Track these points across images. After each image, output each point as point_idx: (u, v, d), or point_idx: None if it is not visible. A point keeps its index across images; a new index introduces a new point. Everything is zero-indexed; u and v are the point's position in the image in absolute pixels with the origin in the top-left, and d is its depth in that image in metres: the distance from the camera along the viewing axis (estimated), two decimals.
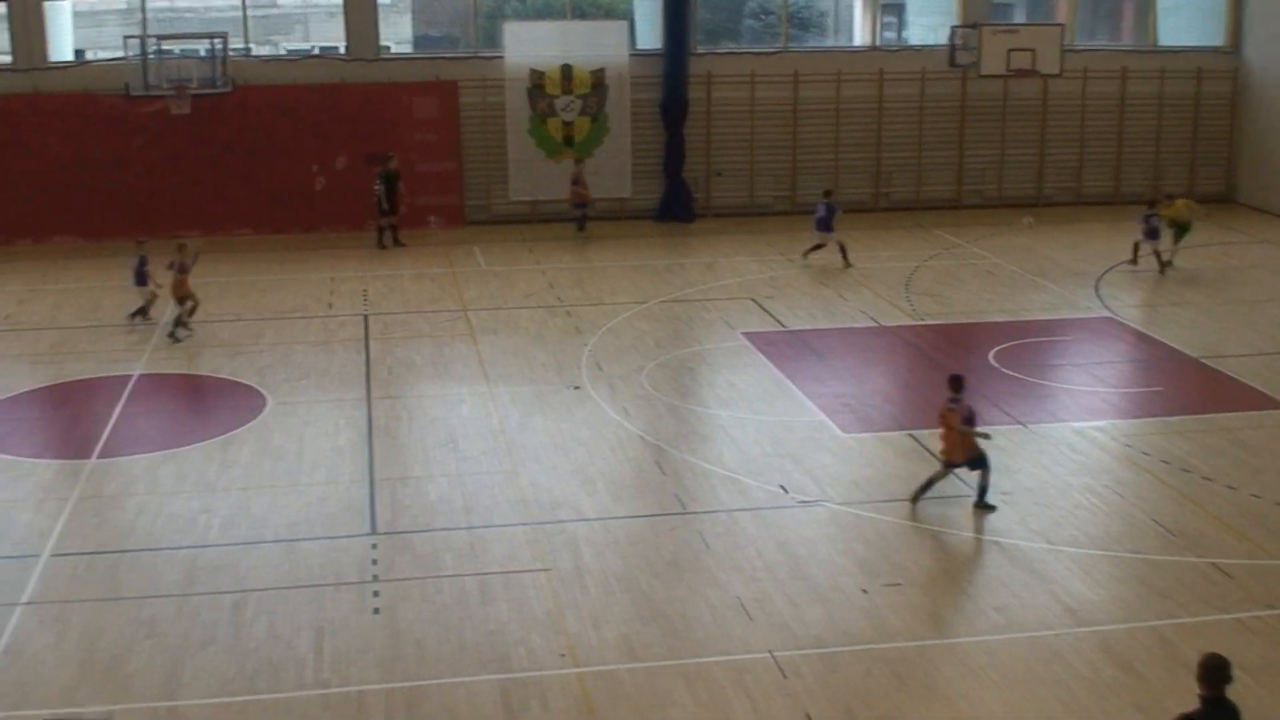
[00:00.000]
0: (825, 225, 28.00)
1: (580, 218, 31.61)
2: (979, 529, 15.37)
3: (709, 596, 13.76)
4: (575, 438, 18.32)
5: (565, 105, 32.87)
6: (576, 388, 20.44)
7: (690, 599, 13.72)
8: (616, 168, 32.92)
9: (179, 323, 23.28)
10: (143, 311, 23.89)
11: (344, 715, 11.70)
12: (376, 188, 30.31)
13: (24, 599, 13.88)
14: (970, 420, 15.66)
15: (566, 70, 32.75)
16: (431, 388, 20.75)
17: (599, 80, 32.88)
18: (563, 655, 12.62)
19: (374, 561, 14.61)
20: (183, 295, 23.37)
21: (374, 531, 15.38)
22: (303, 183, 32.01)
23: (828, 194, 28.92)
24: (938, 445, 16.10)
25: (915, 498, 15.88)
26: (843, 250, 27.86)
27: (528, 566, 14.44)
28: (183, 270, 23.35)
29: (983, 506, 15.74)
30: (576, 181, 31.51)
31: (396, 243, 30.54)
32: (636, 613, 13.43)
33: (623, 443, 18.18)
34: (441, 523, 15.60)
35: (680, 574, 14.31)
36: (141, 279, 23.87)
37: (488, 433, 18.56)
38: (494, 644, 12.81)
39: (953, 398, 15.64)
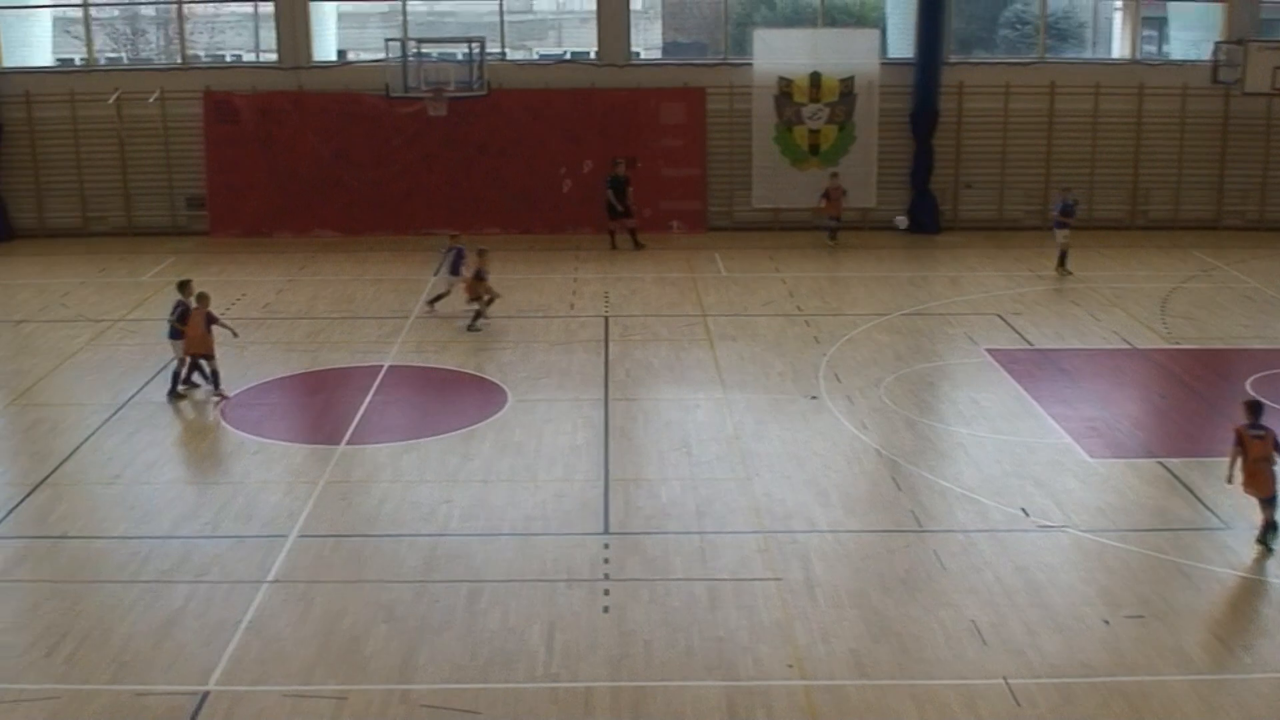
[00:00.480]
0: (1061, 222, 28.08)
1: (832, 228, 31.21)
2: (1232, 564, 14.66)
3: (942, 617, 13.44)
4: (810, 448, 18.14)
5: (812, 113, 32.68)
6: (814, 398, 20.26)
7: (922, 618, 13.42)
8: (862, 177, 32.56)
9: (478, 315, 24.13)
10: (440, 299, 24.80)
11: (571, 710, 11.80)
12: (607, 192, 30.76)
13: (270, 577, 14.40)
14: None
15: (815, 78, 32.55)
16: (668, 391, 20.83)
17: (848, 89, 32.58)
18: (790, 666, 12.49)
19: (605, 560, 14.71)
20: (476, 296, 24.08)
21: (607, 531, 15.49)
22: (550, 185, 32.58)
23: (1066, 190, 28.66)
24: (1234, 476, 14.84)
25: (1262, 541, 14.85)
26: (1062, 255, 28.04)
27: (758, 575, 14.34)
28: (479, 277, 24.01)
29: (1266, 545, 14.77)
30: (828, 195, 31.17)
31: (636, 245, 30.82)
32: (867, 629, 13.21)
33: (858, 456, 17.93)
34: (673, 526, 15.62)
35: (913, 592, 14.02)
36: (456, 269, 24.81)
37: (722, 439, 18.52)
38: (721, 650, 12.76)
39: (1254, 424, 14.68)
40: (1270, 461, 14.61)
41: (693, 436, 18.63)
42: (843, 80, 32.55)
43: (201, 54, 45.85)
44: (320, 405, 20.66)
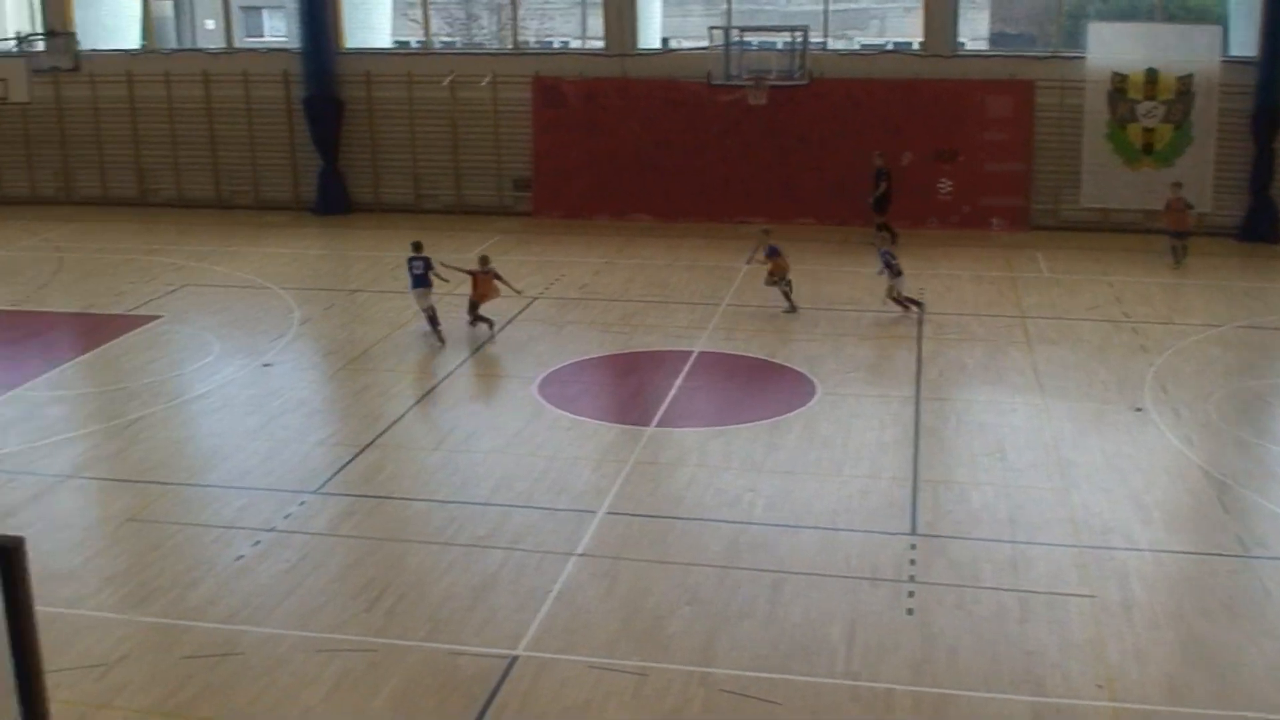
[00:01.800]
0: None
1: (1176, 247, 28.76)
2: None
3: (1265, 648, 12.72)
4: (1133, 462, 17.42)
5: (1147, 111, 31.39)
6: (1139, 409, 19.45)
7: (1244, 647, 12.73)
8: (1197, 180, 31.06)
9: (787, 297, 24.53)
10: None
11: (871, 709, 11.67)
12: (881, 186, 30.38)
13: (579, 550, 14.73)
14: None
15: (1151, 74, 31.25)
16: (982, 393, 20.36)
17: (1185, 87, 31.16)
18: (1099, 687, 12.04)
19: (911, 562, 14.49)
20: (780, 274, 24.54)
21: (913, 532, 15.26)
22: (867, 177, 32.25)
23: None
24: None
25: None
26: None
27: (1072, 590, 13.87)
28: (773, 254, 24.48)
29: None
30: (1169, 207, 29.39)
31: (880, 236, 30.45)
32: (1183, 654, 12.62)
33: (1183, 473, 17.14)
34: (983, 532, 15.26)
35: (1235, 619, 13.31)
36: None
37: (1039, 446, 17.99)
38: (1030, 664, 12.40)
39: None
40: None
41: (1007, 441, 18.15)
42: (1180, 78, 31.13)
43: (531, 40, 47.25)
44: (632, 387, 21.03)
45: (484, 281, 23.28)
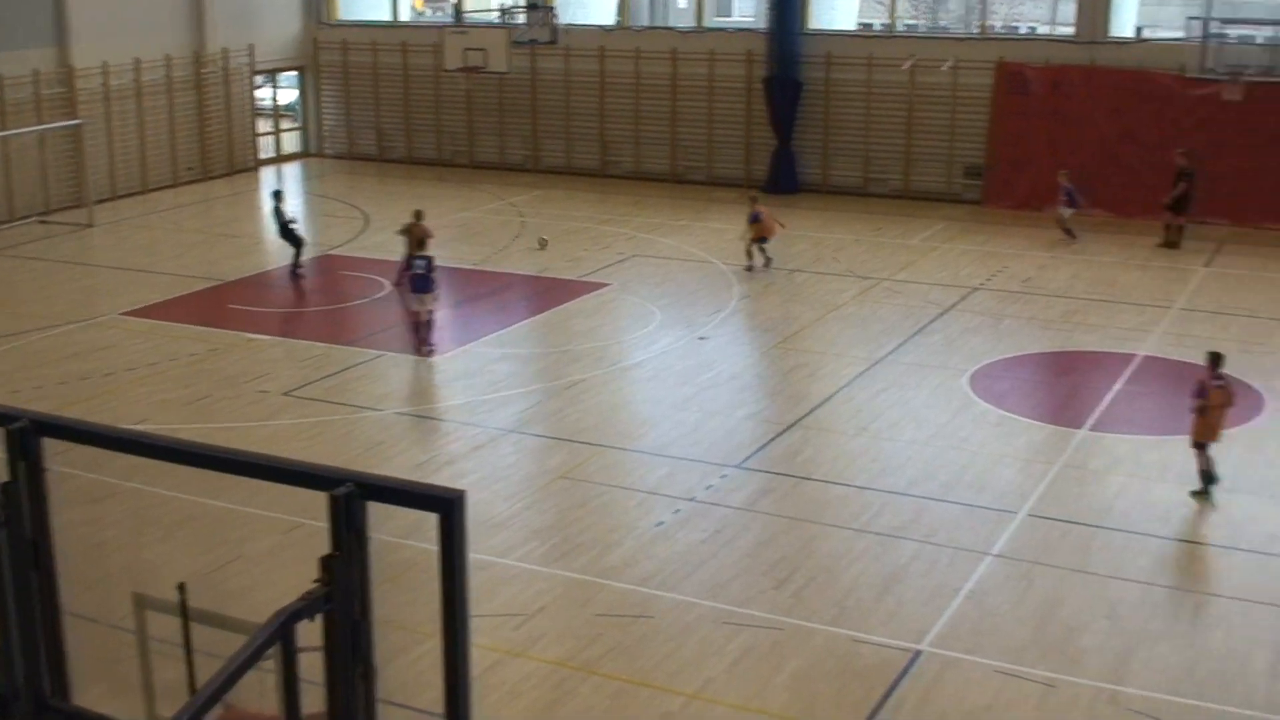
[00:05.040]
0: None
1: None
2: None
3: None
4: None
5: None
6: None
7: None
8: None
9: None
10: None
11: None
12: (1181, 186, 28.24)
13: (995, 550, 14.50)
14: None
15: None
16: None
17: None
18: None
19: None
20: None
21: None
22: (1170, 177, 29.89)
23: None
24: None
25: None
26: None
27: None
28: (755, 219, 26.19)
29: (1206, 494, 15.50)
30: None
31: (1168, 243, 28.41)
32: None
33: None
34: None
35: None
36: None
37: None
38: None
39: (1218, 375, 15.72)
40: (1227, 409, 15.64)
41: None
42: None
43: (998, 25, 46.28)
44: (1067, 387, 20.41)
45: (418, 228, 23.46)
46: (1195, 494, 15.76)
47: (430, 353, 21.07)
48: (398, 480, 4.63)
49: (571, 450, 17.35)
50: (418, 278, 21.11)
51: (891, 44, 34.27)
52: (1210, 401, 15.72)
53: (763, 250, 26.36)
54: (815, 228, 30.33)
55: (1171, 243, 28.64)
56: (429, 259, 21.31)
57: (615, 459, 17.15)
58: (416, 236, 23.41)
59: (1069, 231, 28.98)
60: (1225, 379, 16.07)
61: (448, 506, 4.44)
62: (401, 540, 12.21)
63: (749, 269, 26.18)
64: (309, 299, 25.39)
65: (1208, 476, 15.77)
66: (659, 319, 23.25)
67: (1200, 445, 15.82)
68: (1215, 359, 16.20)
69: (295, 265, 26.17)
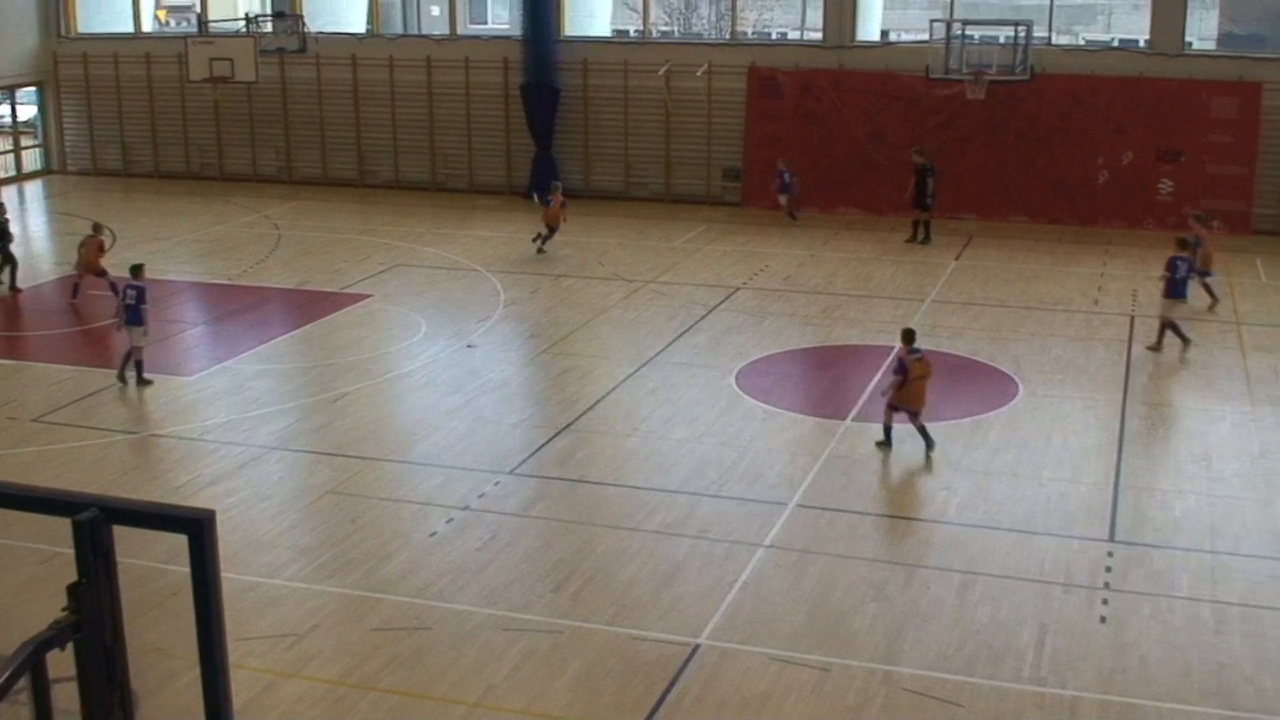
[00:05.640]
0: None
1: None
2: None
3: None
4: None
5: None
6: None
7: None
8: None
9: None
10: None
11: (1056, 716, 11.43)
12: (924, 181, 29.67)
13: (767, 541, 14.73)
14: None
15: None
16: (1190, 400, 19.72)
17: None
18: None
19: (1108, 569, 14.11)
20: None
21: (1111, 539, 14.85)
22: (1086, 175, 31.44)
23: None
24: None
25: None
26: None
27: (1271, 603, 13.35)
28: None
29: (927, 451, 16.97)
30: None
31: (926, 239, 29.60)
32: None
33: None
34: (1183, 542, 14.78)
35: None
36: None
37: (1245, 455, 17.33)
38: (1222, 677, 11.99)
39: (914, 349, 17.26)
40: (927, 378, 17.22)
41: (1213, 450, 17.53)
42: None
43: (749, 31, 47.24)
44: (830, 380, 20.91)
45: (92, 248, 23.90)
46: (879, 444, 17.36)
47: (146, 383, 19.91)
48: (144, 503, 4.46)
49: (340, 464, 17.00)
50: (129, 309, 19.70)
51: (646, 50, 34.66)
52: (912, 373, 17.10)
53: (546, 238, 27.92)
54: (579, 232, 30.40)
55: (920, 238, 29.61)
56: (140, 289, 19.80)
57: (385, 471, 16.87)
58: (91, 254, 23.69)
59: (791, 215, 31.25)
60: (921, 352, 17.44)
61: (197, 527, 4.29)
62: (164, 566, 11.77)
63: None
64: (55, 321, 24.34)
65: (888, 430, 17.35)
66: (425, 328, 23.00)
67: (897, 407, 17.24)
68: (908, 335, 17.76)
69: (12, 285, 25.75)
